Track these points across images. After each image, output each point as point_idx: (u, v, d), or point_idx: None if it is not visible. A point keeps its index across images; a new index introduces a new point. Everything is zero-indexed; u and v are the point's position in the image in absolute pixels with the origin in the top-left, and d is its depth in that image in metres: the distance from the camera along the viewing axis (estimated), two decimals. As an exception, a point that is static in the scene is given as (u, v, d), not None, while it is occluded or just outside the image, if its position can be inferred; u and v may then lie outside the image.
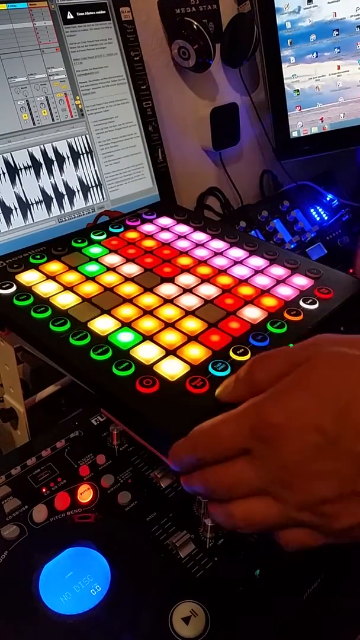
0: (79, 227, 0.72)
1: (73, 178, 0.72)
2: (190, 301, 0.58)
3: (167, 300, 0.58)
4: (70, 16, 0.72)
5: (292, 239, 1.00)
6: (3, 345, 0.63)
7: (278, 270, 0.63)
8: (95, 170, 0.74)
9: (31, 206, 0.68)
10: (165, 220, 0.74)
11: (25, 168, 0.68)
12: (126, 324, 0.54)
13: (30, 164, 0.68)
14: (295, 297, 0.59)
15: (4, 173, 0.66)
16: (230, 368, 0.48)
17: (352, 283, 0.61)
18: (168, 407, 0.45)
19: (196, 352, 0.50)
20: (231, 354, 0.50)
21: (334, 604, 0.48)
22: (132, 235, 0.71)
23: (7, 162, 0.66)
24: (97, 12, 0.75)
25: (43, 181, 0.69)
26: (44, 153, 0.70)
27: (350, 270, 0.88)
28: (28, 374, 0.80)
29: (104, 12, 0.75)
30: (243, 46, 0.97)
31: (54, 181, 0.70)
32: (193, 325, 0.54)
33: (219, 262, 0.65)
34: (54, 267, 0.63)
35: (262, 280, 0.61)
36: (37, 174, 0.69)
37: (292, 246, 1.00)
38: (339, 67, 1.03)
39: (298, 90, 1.02)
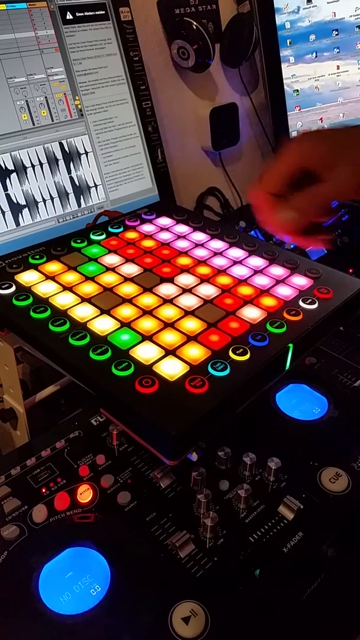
0: (79, 227, 0.72)
1: (73, 178, 0.72)
2: (189, 301, 0.58)
3: (167, 300, 0.58)
4: (69, 16, 0.72)
5: (292, 238, 1.00)
6: (3, 345, 0.63)
7: (277, 270, 0.63)
8: (95, 171, 0.74)
9: (31, 206, 0.68)
10: (164, 221, 0.74)
11: (24, 168, 0.68)
12: (125, 324, 0.54)
13: (29, 164, 0.68)
14: (294, 297, 0.58)
15: (3, 173, 0.66)
16: (230, 368, 0.48)
17: (352, 283, 0.61)
18: (167, 407, 0.45)
19: (195, 352, 0.50)
20: (230, 354, 0.50)
21: (334, 604, 0.48)
22: (131, 235, 0.71)
23: (6, 163, 0.66)
24: (97, 13, 0.75)
25: (42, 181, 0.69)
26: (44, 153, 0.70)
27: (351, 270, 0.87)
28: (28, 374, 0.80)
29: (104, 12, 0.75)
30: (242, 46, 0.97)
31: (54, 181, 0.70)
32: (192, 325, 0.54)
33: (219, 262, 0.65)
34: (54, 267, 0.63)
35: (261, 280, 0.61)
36: (37, 175, 0.69)
37: (292, 246, 0.99)
38: (338, 67, 1.03)
39: (297, 90, 1.02)
